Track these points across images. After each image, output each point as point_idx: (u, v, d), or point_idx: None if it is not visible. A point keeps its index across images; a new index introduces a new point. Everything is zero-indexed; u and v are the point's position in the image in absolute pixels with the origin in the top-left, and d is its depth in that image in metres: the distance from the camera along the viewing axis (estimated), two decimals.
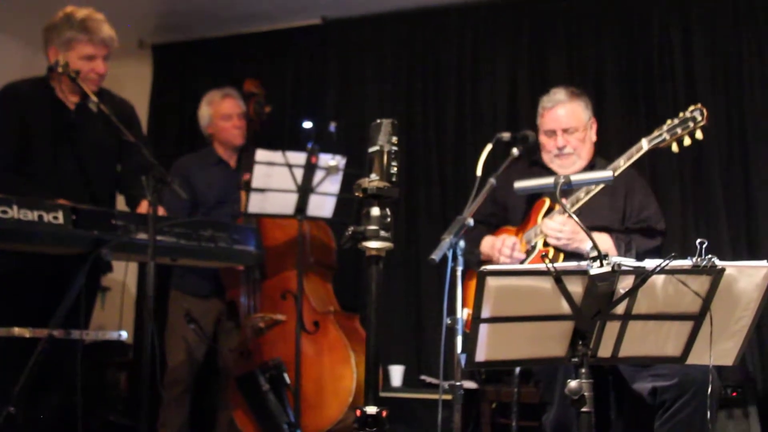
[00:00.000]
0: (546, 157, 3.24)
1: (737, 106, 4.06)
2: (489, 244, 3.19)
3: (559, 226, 2.94)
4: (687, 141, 2.92)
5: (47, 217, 2.58)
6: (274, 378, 3.47)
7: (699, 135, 2.91)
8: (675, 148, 2.94)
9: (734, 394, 3.24)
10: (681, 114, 2.94)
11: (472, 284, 2.79)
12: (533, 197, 3.16)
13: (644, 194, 3.16)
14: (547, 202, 3.12)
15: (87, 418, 2.81)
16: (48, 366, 2.71)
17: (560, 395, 2.54)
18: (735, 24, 4.13)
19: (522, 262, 3.03)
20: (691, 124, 2.89)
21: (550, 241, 2.97)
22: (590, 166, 3.20)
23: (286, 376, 3.46)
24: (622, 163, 2.95)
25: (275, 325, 3.73)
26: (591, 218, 2.87)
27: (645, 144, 2.93)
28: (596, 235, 2.80)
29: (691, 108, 2.92)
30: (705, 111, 2.89)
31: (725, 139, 4.05)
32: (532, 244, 3.04)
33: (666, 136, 2.92)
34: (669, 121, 2.94)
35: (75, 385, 2.74)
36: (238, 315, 3.89)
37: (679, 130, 2.90)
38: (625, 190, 3.10)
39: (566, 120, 3.17)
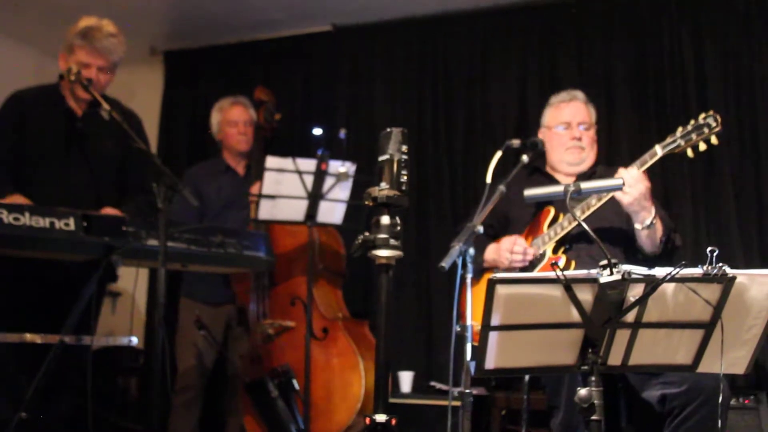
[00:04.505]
0: (555, 156, 3.20)
1: (749, 110, 4.03)
2: (493, 248, 3.10)
3: (633, 181, 2.76)
4: (702, 146, 2.89)
5: (59, 224, 2.59)
6: (283, 384, 3.48)
7: (714, 140, 2.89)
8: (690, 153, 2.91)
9: (746, 402, 3.21)
10: (692, 121, 2.90)
11: (476, 291, 2.79)
12: (538, 206, 3.11)
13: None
14: (553, 210, 3.07)
15: (97, 424, 2.81)
16: (59, 371, 2.73)
17: (566, 399, 2.53)
18: (746, 27, 4.10)
19: (531, 269, 3.00)
20: (706, 130, 2.86)
21: (623, 196, 2.78)
22: (591, 173, 3.16)
23: (295, 382, 3.47)
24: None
25: (284, 332, 3.73)
26: (595, 221, 2.85)
27: (659, 150, 2.88)
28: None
29: (703, 115, 2.89)
30: (719, 117, 2.87)
31: (737, 144, 4.02)
32: (541, 251, 3.01)
33: (680, 141, 2.88)
34: (680, 129, 2.91)
35: (85, 390, 2.74)
36: (248, 321, 3.90)
37: (693, 136, 2.87)
38: None
39: (583, 115, 3.21)
